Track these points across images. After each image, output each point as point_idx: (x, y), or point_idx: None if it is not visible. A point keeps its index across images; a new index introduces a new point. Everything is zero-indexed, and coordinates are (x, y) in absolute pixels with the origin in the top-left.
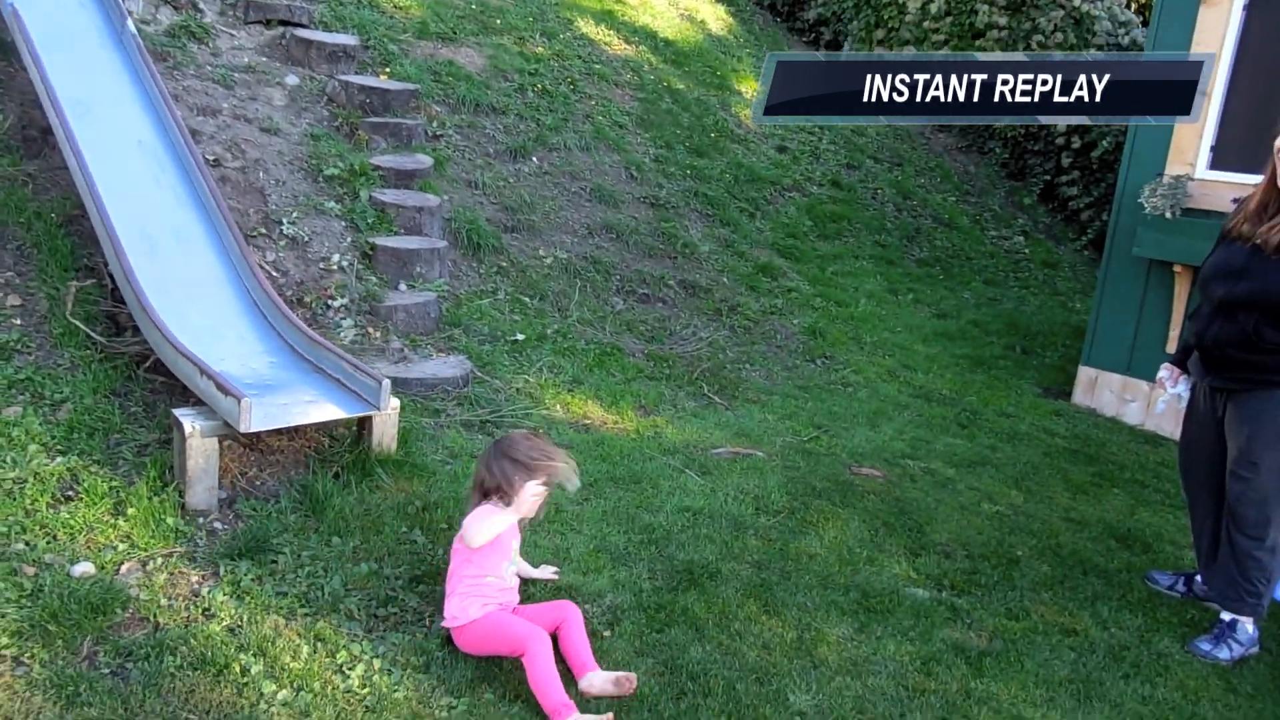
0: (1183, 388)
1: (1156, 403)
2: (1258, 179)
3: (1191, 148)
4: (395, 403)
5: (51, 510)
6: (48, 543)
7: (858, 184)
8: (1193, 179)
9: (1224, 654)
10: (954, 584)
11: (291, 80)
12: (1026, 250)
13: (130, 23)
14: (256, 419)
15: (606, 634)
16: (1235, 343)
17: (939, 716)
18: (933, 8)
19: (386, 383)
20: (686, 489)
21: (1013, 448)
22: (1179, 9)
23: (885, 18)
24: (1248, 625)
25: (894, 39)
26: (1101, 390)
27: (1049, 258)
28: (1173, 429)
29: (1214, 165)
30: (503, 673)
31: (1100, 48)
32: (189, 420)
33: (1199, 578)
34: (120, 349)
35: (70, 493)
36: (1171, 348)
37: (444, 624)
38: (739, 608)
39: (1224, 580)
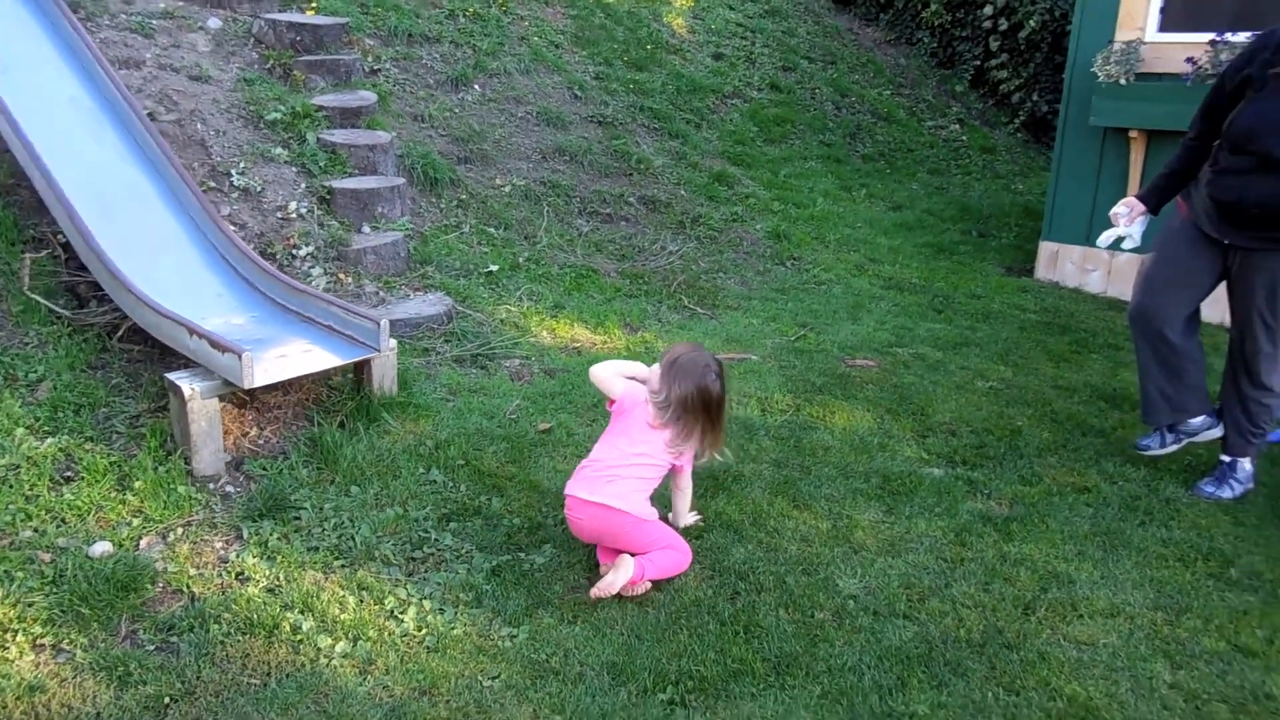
0: (1137, 227)
1: (1103, 236)
2: (1209, 36)
3: (1140, 12)
4: (393, 343)
5: (53, 493)
6: (57, 527)
7: (795, 85)
8: (1144, 43)
9: (1227, 493)
10: (965, 459)
11: (214, 23)
12: (964, 138)
13: None
14: (260, 373)
15: None
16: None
17: (982, 582)
18: None
19: (385, 323)
20: None
21: (990, 326)
22: None
23: None
24: (1246, 464)
25: None
26: (1063, 263)
27: (986, 143)
28: (1123, 286)
29: (1164, 27)
30: (556, 596)
31: None
32: (186, 383)
33: (1178, 424)
34: (89, 320)
35: (69, 473)
36: None
37: None
38: (770, 506)
39: (1230, 428)
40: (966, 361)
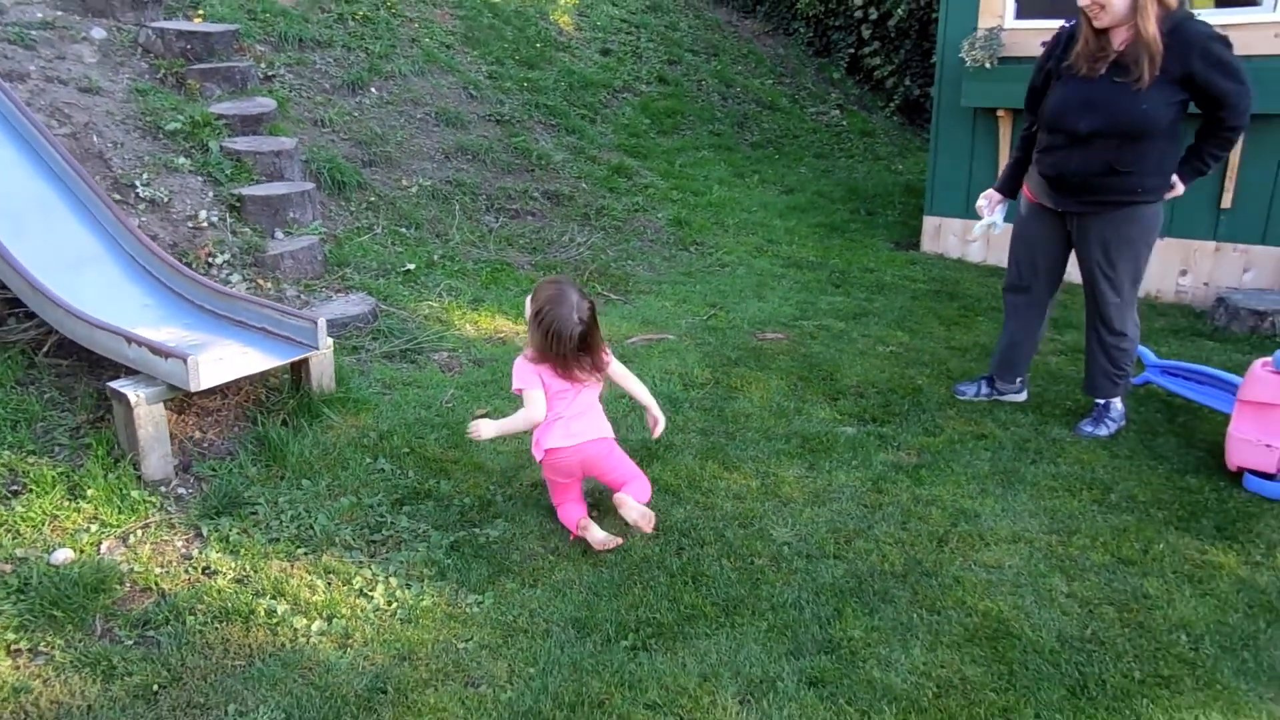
0: (999, 214)
1: (972, 229)
2: (1058, 23)
3: (998, 2)
4: (330, 341)
5: (3, 507)
6: (12, 539)
7: (682, 78)
8: (1004, 29)
9: (1104, 431)
10: (874, 417)
11: (98, 33)
12: (844, 123)
13: None
14: (205, 376)
15: (594, 511)
16: (1097, 170)
17: (900, 521)
18: None
19: (322, 321)
20: None
21: (884, 297)
22: None
23: None
24: (1117, 404)
25: None
26: (945, 236)
27: (865, 127)
28: (1001, 255)
29: (1020, 14)
30: (514, 564)
31: None
32: (131, 390)
33: (996, 379)
34: (10, 338)
35: (15, 487)
36: None
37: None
38: (702, 470)
39: (1098, 374)
40: (867, 330)
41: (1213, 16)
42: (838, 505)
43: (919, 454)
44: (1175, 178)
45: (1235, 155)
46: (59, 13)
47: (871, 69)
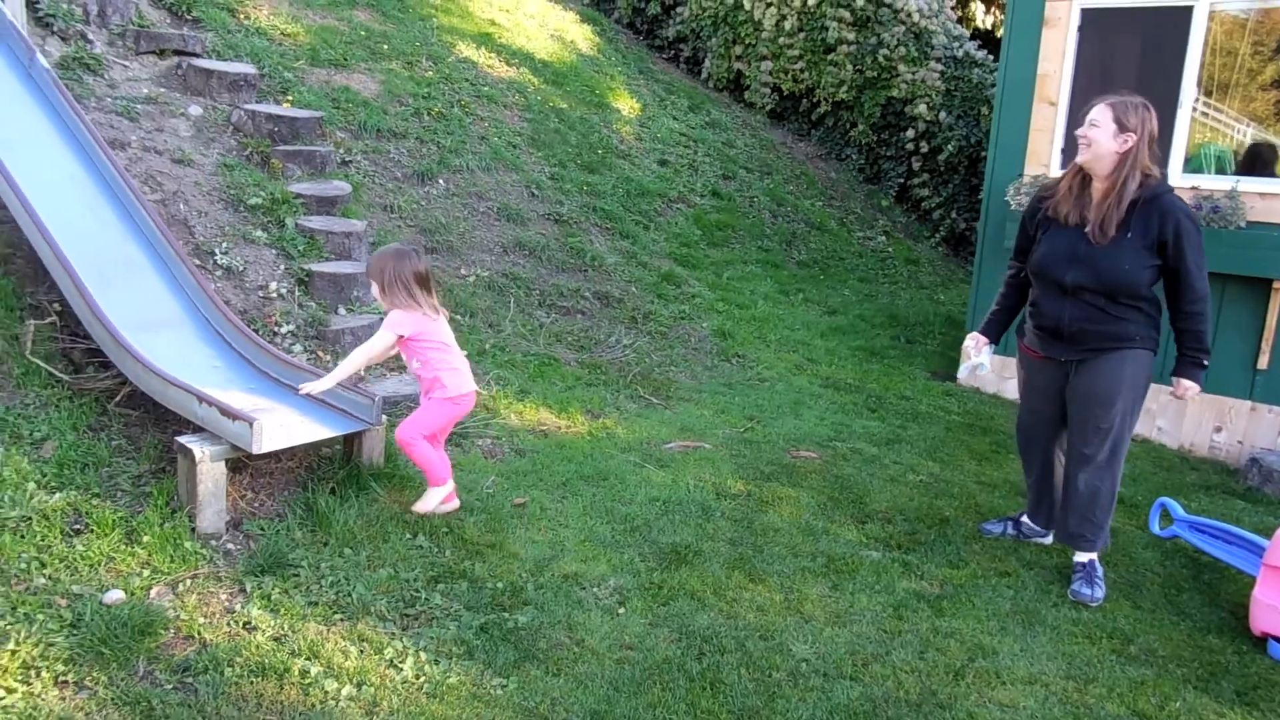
0: (985, 356)
1: (961, 369)
2: None
3: (1044, 150)
4: (384, 418)
5: (65, 544)
6: (70, 575)
7: (735, 193)
8: (1048, 177)
9: (1099, 592)
10: (900, 544)
11: (195, 110)
12: (890, 249)
13: (40, 57)
14: (268, 440)
15: (620, 611)
16: (1090, 319)
17: (918, 650)
18: (786, 24)
19: (379, 399)
20: (651, 482)
21: (919, 426)
22: (1026, 29)
23: (742, 34)
24: (1097, 561)
25: (751, 54)
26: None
27: (910, 254)
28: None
29: (1064, 165)
30: (540, 651)
31: (939, 59)
32: (197, 446)
33: (1024, 518)
34: (87, 385)
35: (78, 526)
36: None
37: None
38: (728, 579)
39: (1076, 520)
40: (899, 457)
41: (1241, 184)
42: (858, 628)
43: (941, 585)
44: (1184, 381)
45: (1272, 318)
46: (162, 90)
47: (920, 199)
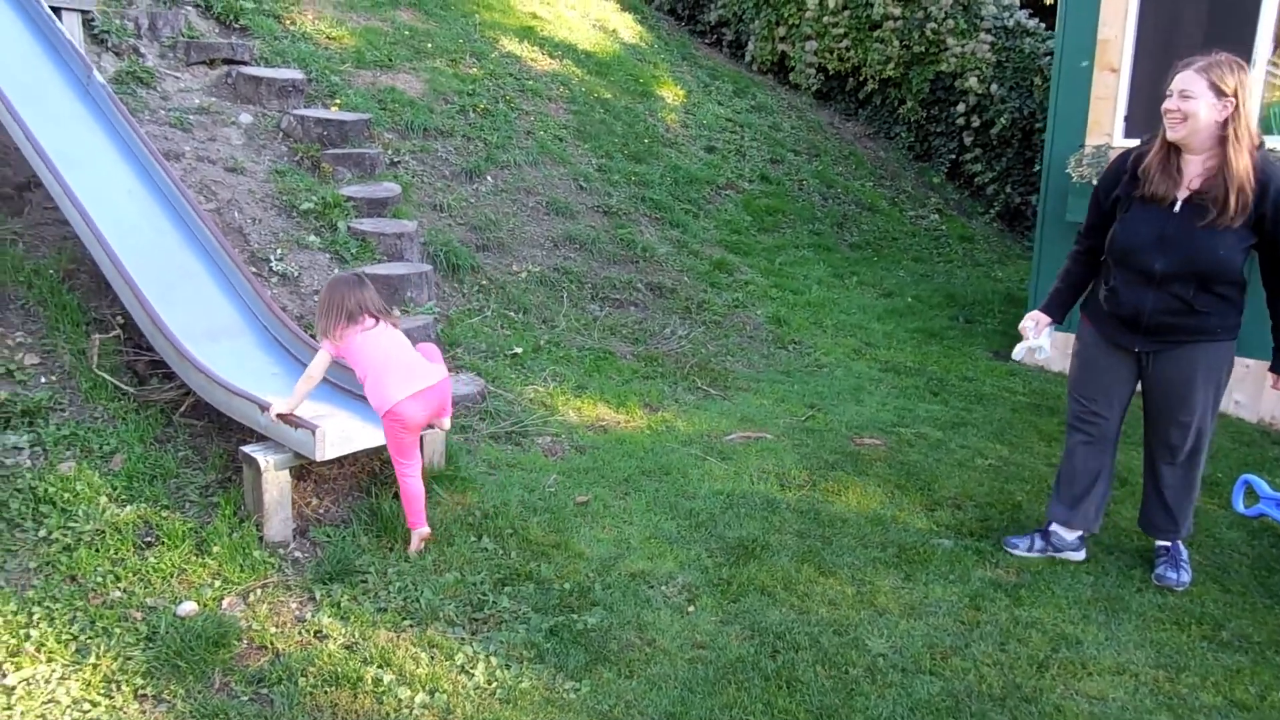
0: (1045, 337)
1: (1017, 348)
2: None
3: (1107, 119)
4: (445, 421)
5: (137, 557)
6: (144, 588)
7: (784, 177)
8: (1111, 147)
9: (1185, 576)
10: (971, 531)
11: (245, 118)
12: (943, 227)
13: (96, 73)
14: (331, 447)
15: (690, 609)
16: (1173, 311)
17: (999, 642)
18: (830, 2)
19: None
20: (713, 475)
21: (984, 408)
22: None
23: (785, 15)
24: (1181, 544)
25: (795, 34)
26: None
27: (964, 232)
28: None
29: (1128, 134)
30: (611, 654)
31: (989, 30)
32: (261, 455)
33: (1054, 527)
34: (152, 397)
35: (149, 539)
36: None
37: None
38: (797, 573)
39: (1161, 515)
40: (965, 440)
41: None
42: (934, 620)
43: (1018, 573)
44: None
45: None
46: (214, 99)
47: (972, 175)
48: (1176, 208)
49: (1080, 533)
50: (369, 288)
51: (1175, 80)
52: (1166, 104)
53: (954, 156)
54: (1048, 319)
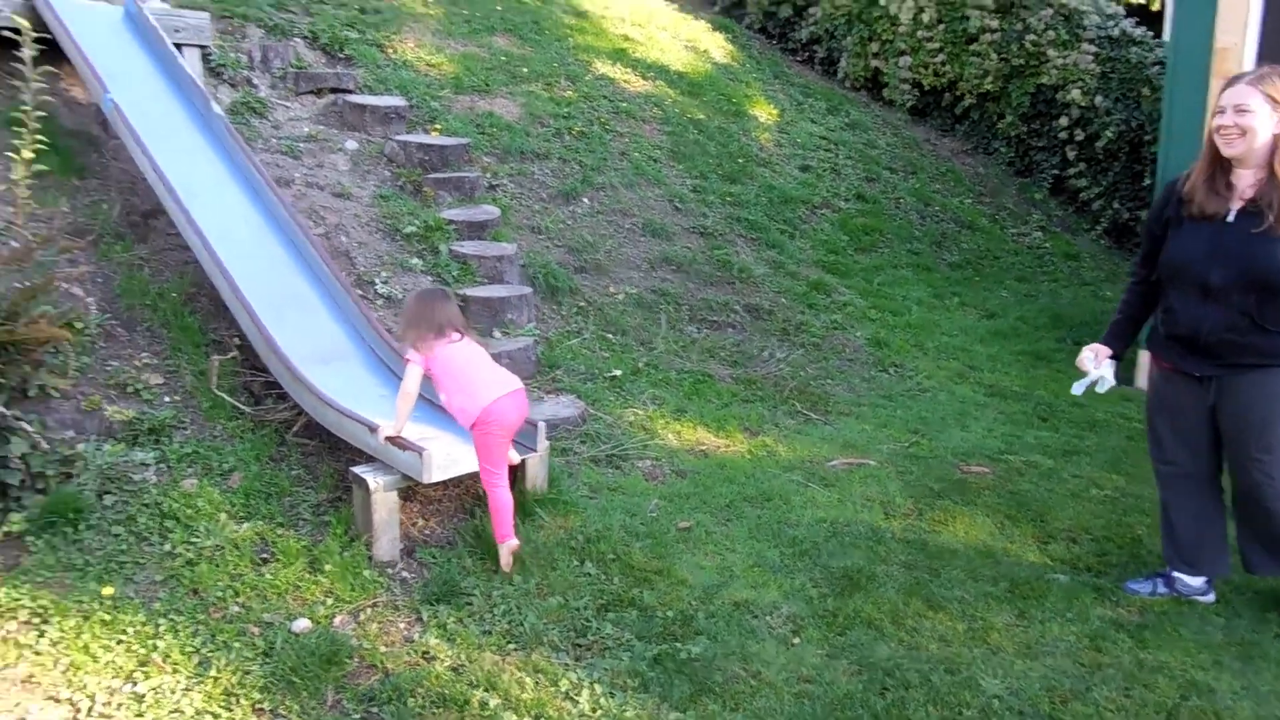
0: (1107, 369)
1: (1076, 384)
2: None
3: None
4: (547, 444)
5: (255, 573)
6: (261, 603)
7: (880, 195)
8: None
9: None
10: (1089, 566)
11: (351, 145)
12: (1047, 245)
13: (215, 105)
14: (438, 470)
15: (795, 641)
16: (1237, 327)
17: (1122, 687)
18: (925, 17)
19: (542, 426)
20: (816, 501)
21: (1097, 436)
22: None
23: (878, 30)
24: None
25: (889, 50)
26: None
27: (1069, 250)
28: None
29: None
30: (716, 685)
31: (1093, 40)
32: (371, 476)
33: (1173, 572)
34: (267, 417)
35: (265, 555)
36: None
37: None
38: (905, 606)
39: (1254, 553)
40: (1079, 469)
41: None
42: (1051, 660)
43: (1141, 612)
44: None
45: None
46: (321, 127)
47: (1077, 190)
48: (1230, 217)
49: (1213, 573)
50: (454, 302)
51: (1227, 96)
52: (1220, 120)
53: (1057, 171)
54: (1108, 350)
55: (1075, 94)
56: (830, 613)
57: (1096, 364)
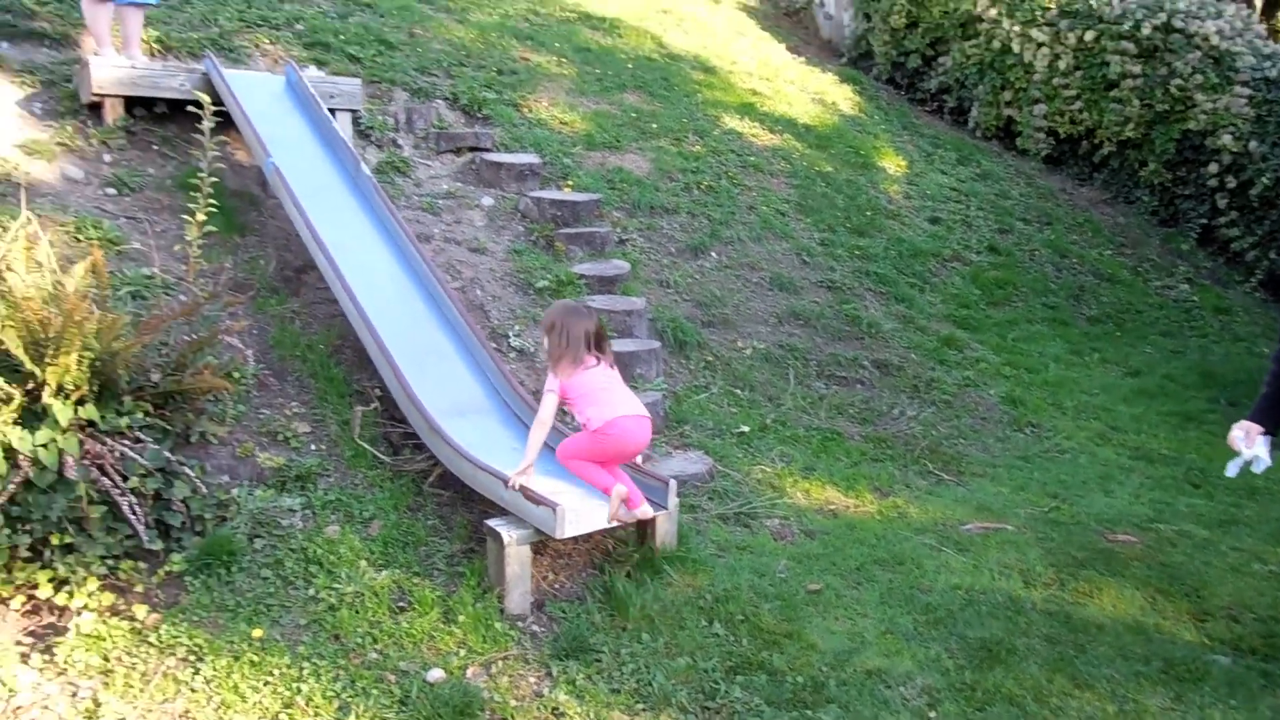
0: (1261, 447)
1: (1229, 465)
2: None
3: None
4: (677, 501)
5: (392, 621)
6: (398, 651)
7: (1013, 248)
8: None
9: None
10: (1254, 648)
11: (487, 201)
12: (1195, 298)
13: (364, 166)
14: (570, 525)
15: (931, 715)
16: None
17: None
18: (1061, 64)
19: (673, 483)
20: (950, 567)
21: (1257, 505)
22: None
23: (1011, 79)
24: None
25: (1023, 98)
26: None
27: (1220, 303)
28: None
29: None
30: None
31: (1246, 83)
32: (505, 530)
33: None
34: (405, 467)
35: (402, 604)
36: None
37: None
38: (1049, 683)
39: None
40: (1238, 541)
41: None
42: None
43: None
44: None
45: None
46: (459, 184)
47: (1228, 240)
48: None
49: None
50: (595, 318)
51: None
52: None
53: (1205, 221)
54: (1259, 428)
55: (1226, 139)
56: (968, 686)
57: (1248, 443)
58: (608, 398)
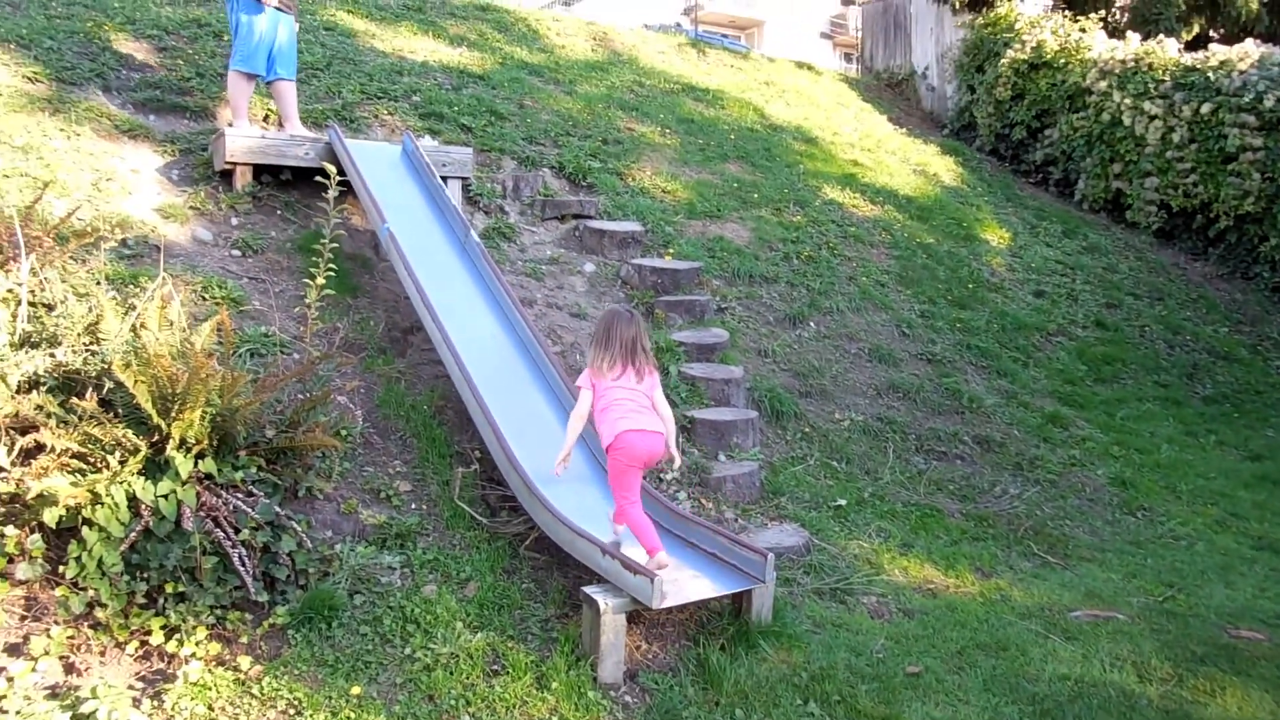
0: None
1: None
2: None
3: None
4: (773, 574)
5: (486, 684)
6: (490, 715)
7: (1122, 323)
8: None
9: None
10: None
11: (589, 268)
12: None
13: (473, 234)
14: (668, 596)
15: None
16: None
17: None
18: (1175, 136)
19: (770, 557)
20: (1057, 655)
21: None
22: None
23: (1121, 151)
24: None
25: (1133, 171)
26: None
27: None
28: None
29: None
30: None
31: None
32: (601, 597)
33: None
34: (502, 529)
35: (496, 667)
36: None
37: None
38: None
39: None
40: None
41: None
42: None
43: None
44: None
45: None
46: (563, 250)
47: None
48: None
49: None
50: (640, 325)
51: None
52: None
53: None
54: None
55: None
56: None
57: None
58: (619, 412)
